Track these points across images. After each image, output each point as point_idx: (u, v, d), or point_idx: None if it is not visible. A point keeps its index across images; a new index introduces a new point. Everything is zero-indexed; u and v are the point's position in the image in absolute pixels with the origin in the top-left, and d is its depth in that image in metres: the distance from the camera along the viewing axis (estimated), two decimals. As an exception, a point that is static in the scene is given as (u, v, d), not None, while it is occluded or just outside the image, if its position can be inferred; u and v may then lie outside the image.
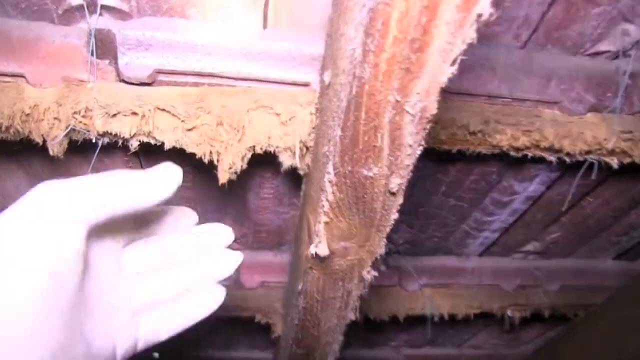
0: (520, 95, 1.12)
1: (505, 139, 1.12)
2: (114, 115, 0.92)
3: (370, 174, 0.74)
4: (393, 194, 0.78)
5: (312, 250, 0.89)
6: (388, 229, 0.86)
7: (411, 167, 0.74)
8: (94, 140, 0.94)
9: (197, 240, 0.69)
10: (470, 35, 0.57)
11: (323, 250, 0.87)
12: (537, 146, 1.15)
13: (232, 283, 1.56)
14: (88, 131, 0.93)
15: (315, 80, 0.96)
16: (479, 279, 1.87)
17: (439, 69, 0.60)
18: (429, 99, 0.63)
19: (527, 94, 1.11)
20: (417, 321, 1.90)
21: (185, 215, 0.72)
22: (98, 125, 0.92)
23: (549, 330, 2.30)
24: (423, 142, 0.70)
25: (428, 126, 0.67)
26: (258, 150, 0.97)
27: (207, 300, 0.68)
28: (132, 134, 0.94)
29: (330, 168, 0.75)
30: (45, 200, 0.51)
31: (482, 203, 1.57)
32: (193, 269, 0.68)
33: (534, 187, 1.50)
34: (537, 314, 1.97)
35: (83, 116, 0.91)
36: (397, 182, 0.75)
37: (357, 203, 0.80)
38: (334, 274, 0.97)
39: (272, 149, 0.98)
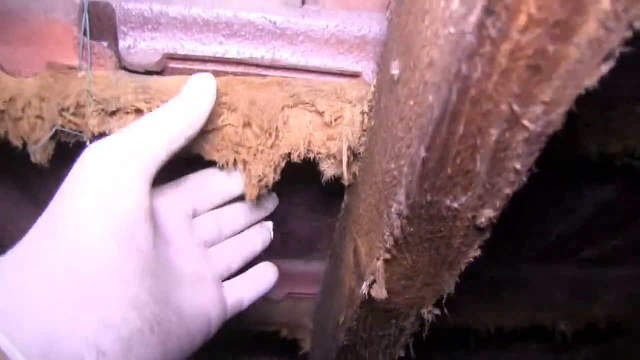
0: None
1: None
2: (113, 112, 0.72)
3: (455, 205, 0.54)
4: (480, 229, 0.58)
5: (365, 290, 0.70)
6: (464, 267, 0.67)
7: (511, 197, 0.54)
8: (88, 144, 0.75)
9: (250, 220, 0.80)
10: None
11: (381, 294, 0.67)
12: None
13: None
14: (80, 133, 0.73)
15: (368, 70, 0.75)
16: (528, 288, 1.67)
17: (584, 67, 0.39)
18: (558, 110, 0.43)
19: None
20: (459, 336, 1.70)
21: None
22: (93, 126, 0.72)
23: (604, 344, 2.09)
24: (533, 166, 0.50)
25: (544, 145, 0.47)
26: (295, 159, 0.77)
27: (268, 273, 0.80)
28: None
29: (401, 197, 0.55)
30: (99, 165, 0.56)
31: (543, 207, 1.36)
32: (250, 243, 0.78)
33: (604, 193, 1.30)
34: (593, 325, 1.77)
35: (73, 114, 0.72)
36: (489, 215, 0.55)
37: (432, 239, 0.60)
38: (387, 312, 0.78)
39: (312, 156, 0.78)
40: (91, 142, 0.75)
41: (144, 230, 0.55)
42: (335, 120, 0.74)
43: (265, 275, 0.79)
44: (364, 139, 0.75)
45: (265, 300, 1.39)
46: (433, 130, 0.45)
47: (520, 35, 0.37)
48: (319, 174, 0.81)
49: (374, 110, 0.71)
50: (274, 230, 0.92)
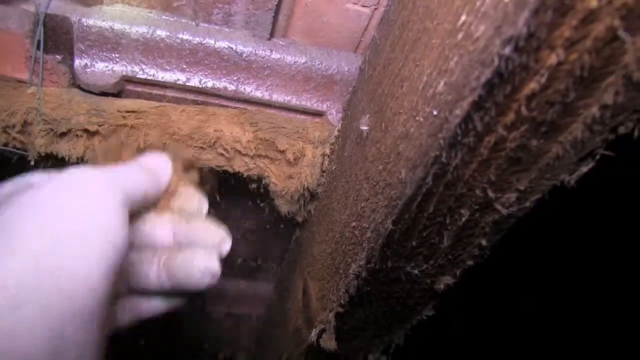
0: None
1: None
2: (63, 134, 0.68)
3: (415, 272, 0.53)
4: (437, 293, 0.57)
5: (314, 337, 0.68)
6: (415, 322, 0.66)
7: (472, 266, 0.53)
8: (32, 163, 0.70)
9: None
10: (628, 124, 0.36)
11: (330, 345, 0.66)
12: None
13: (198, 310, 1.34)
14: (25, 152, 0.69)
15: (333, 110, 0.74)
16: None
17: (563, 163, 0.39)
18: (532, 198, 0.42)
19: None
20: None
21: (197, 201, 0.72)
22: (39, 145, 0.68)
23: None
24: (497, 240, 0.49)
25: (512, 223, 0.47)
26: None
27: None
28: (85, 159, 0.70)
29: (361, 260, 0.53)
30: (95, 187, 0.56)
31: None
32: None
33: None
34: None
35: (19, 132, 0.67)
36: (447, 281, 0.55)
37: (388, 298, 0.59)
38: (334, 357, 0.76)
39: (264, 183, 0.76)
40: (36, 161, 0.70)
41: (124, 250, 0.56)
42: (295, 159, 0.72)
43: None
44: (322, 180, 0.73)
45: (204, 318, 1.35)
46: (403, 206, 0.44)
47: (505, 130, 0.36)
48: (268, 200, 0.79)
49: (336, 154, 0.69)
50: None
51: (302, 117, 0.75)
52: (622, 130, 0.36)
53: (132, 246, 0.68)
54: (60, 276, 0.49)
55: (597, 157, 0.38)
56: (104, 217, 0.55)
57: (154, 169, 0.66)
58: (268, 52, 0.71)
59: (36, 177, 0.60)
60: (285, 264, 1.00)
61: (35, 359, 0.46)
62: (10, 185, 0.59)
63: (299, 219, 0.81)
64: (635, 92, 0.33)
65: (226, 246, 0.69)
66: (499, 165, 0.39)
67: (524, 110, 0.34)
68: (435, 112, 0.39)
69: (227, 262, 1.19)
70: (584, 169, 0.39)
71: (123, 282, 0.70)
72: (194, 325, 1.35)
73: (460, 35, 0.37)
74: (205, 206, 0.72)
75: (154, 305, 0.71)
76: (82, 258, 0.51)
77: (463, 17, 0.37)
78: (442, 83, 0.39)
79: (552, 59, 0.31)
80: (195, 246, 0.69)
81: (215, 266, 0.67)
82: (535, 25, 0.30)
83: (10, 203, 0.55)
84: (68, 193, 0.56)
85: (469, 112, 0.35)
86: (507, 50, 0.31)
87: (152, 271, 0.68)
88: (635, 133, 0.36)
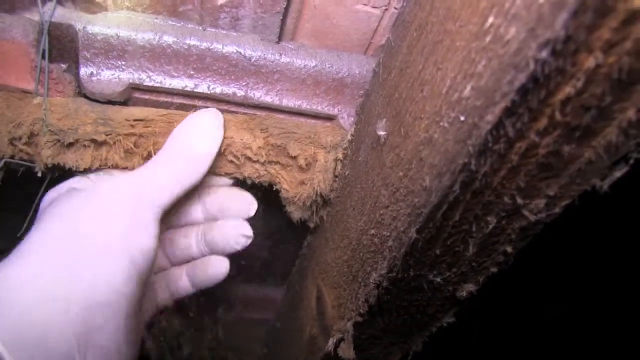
0: None
1: None
2: (70, 144, 0.66)
3: (438, 280, 0.52)
4: (459, 300, 0.56)
5: (331, 347, 0.67)
6: (434, 330, 0.64)
7: (495, 273, 0.52)
8: (39, 175, 0.69)
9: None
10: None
11: (348, 354, 0.64)
12: None
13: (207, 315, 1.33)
14: (32, 163, 0.68)
15: (344, 114, 0.72)
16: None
17: (595, 168, 0.37)
18: (561, 204, 0.41)
19: None
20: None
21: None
22: (46, 157, 0.66)
23: None
24: (522, 247, 0.48)
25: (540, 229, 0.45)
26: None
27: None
28: (93, 168, 0.69)
29: (383, 269, 0.52)
30: (123, 198, 0.61)
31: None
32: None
33: None
34: None
35: (25, 144, 0.66)
36: (470, 289, 0.53)
37: (408, 307, 0.57)
38: (349, 364, 0.75)
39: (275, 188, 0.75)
40: (43, 173, 0.69)
41: (149, 268, 0.62)
42: (307, 165, 0.70)
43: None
44: (335, 185, 0.72)
45: (214, 323, 1.34)
46: (427, 214, 0.43)
47: (537, 136, 0.34)
48: (281, 204, 0.78)
49: (349, 159, 0.68)
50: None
51: (313, 121, 0.74)
52: (656, 132, 0.35)
53: (169, 226, 0.76)
54: (81, 278, 0.54)
55: (631, 161, 0.37)
56: (126, 224, 0.59)
57: (193, 155, 0.66)
58: (277, 56, 0.69)
59: (76, 182, 0.67)
60: (297, 270, 0.99)
61: (63, 345, 0.51)
62: (54, 192, 0.66)
63: (311, 225, 0.80)
64: (674, 93, 0.32)
65: (253, 209, 0.76)
66: (529, 171, 0.37)
67: (557, 115, 0.33)
68: (462, 118, 0.38)
69: (237, 267, 1.19)
70: (618, 173, 0.37)
71: (164, 257, 0.79)
72: (203, 330, 1.34)
73: (488, 38, 0.35)
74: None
75: (193, 281, 0.78)
76: (103, 260, 0.56)
77: (490, 19, 0.35)
78: (468, 87, 0.37)
79: (590, 62, 0.30)
80: (226, 214, 0.76)
81: (247, 230, 0.75)
82: (574, 28, 0.28)
83: (46, 212, 0.61)
84: (94, 204, 0.60)
85: (500, 118, 0.34)
86: (544, 54, 0.30)
87: (192, 243, 0.76)
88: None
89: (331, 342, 0.67)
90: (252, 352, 1.38)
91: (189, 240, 0.76)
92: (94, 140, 0.66)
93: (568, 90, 0.31)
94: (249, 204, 0.76)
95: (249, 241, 0.76)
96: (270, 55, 0.69)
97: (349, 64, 0.71)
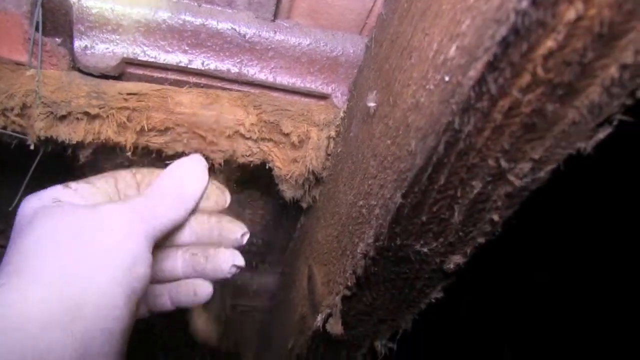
0: None
1: None
2: (63, 117, 0.67)
3: (425, 250, 0.52)
4: (447, 273, 0.56)
5: (320, 322, 0.67)
6: (424, 306, 0.65)
7: (483, 245, 0.52)
8: (31, 148, 0.69)
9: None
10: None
11: (337, 329, 0.64)
12: None
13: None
14: (24, 135, 0.68)
15: (338, 93, 0.72)
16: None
17: (579, 129, 0.38)
18: (546, 167, 0.41)
19: None
20: None
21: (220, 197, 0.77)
22: (39, 129, 0.67)
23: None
24: (511, 217, 0.48)
25: (525, 198, 0.45)
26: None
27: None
28: (86, 143, 0.69)
29: (369, 238, 0.52)
30: (121, 225, 0.61)
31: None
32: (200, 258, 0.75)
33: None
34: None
35: (18, 115, 0.66)
36: (458, 261, 0.53)
37: (396, 279, 0.57)
38: (339, 342, 0.75)
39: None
40: (36, 145, 0.69)
41: (143, 294, 0.64)
42: (300, 142, 0.70)
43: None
44: (327, 164, 0.72)
45: (207, 310, 1.34)
46: (413, 178, 0.43)
47: (520, 93, 0.34)
48: (273, 190, 0.78)
49: (342, 137, 0.68)
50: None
51: (307, 99, 0.74)
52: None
53: (156, 245, 0.72)
54: (84, 305, 0.55)
55: (615, 122, 0.37)
56: (127, 251, 0.60)
57: (184, 193, 0.71)
58: (272, 34, 0.69)
59: (60, 193, 0.65)
60: (290, 253, 0.99)
61: None
62: (36, 200, 0.64)
63: (304, 205, 0.80)
64: (657, 50, 0.32)
65: (245, 238, 0.78)
66: (513, 132, 0.38)
67: (540, 70, 0.33)
68: (447, 78, 0.38)
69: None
70: (601, 135, 0.37)
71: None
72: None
73: (472, -3, 0.35)
74: (227, 200, 0.78)
75: (173, 300, 0.77)
76: (106, 288, 0.57)
77: (475, -22, 0.35)
78: (453, 48, 0.38)
79: (571, 14, 0.30)
80: (218, 241, 0.76)
81: (240, 261, 0.76)
82: (554, -24, 0.29)
83: (33, 225, 0.60)
84: (93, 227, 0.60)
85: (483, 74, 0.34)
86: (524, 4, 0.30)
87: (178, 265, 0.76)
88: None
89: (320, 318, 0.67)
90: (247, 338, 1.38)
91: (175, 262, 0.76)
92: (87, 113, 0.67)
93: (549, 44, 0.32)
94: (241, 234, 0.77)
95: (239, 271, 0.77)
96: (265, 33, 0.69)
97: (343, 43, 0.71)
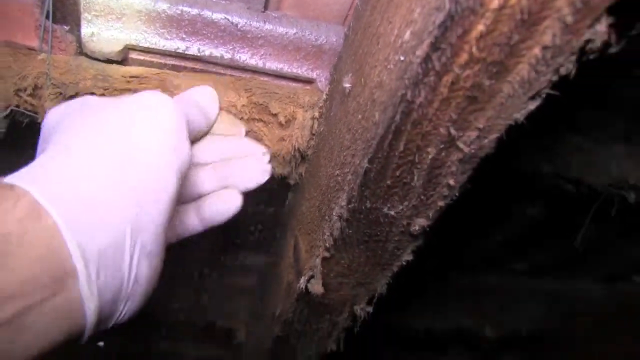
0: None
1: None
2: (71, 97, 0.74)
3: (392, 213, 0.59)
4: (414, 235, 0.63)
5: (303, 284, 0.74)
6: (396, 269, 0.72)
7: (444, 209, 0.59)
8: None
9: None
10: (567, 66, 0.42)
11: (318, 289, 0.72)
12: None
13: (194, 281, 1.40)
14: (36, 114, 0.75)
15: (322, 78, 0.79)
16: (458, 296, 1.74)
17: (514, 102, 0.45)
18: (491, 136, 0.48)
19: None
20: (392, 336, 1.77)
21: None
22: (49, 108, 0.73)
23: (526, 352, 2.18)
24: (467, 183, 0.55)
25: (477, 165, 0.52)
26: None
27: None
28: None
29: (343, 201, 0.59)
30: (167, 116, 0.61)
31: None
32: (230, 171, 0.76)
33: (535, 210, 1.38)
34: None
35: (30, 95, 0.73)
36: (422, 223, 0.60)
37: (368, 241, 0.65)
38: (322, 306, 0.82)
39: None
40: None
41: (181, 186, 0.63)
42: (286, 122, 0.77)
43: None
44: (312, 143, 0.79)
45: (201, 288, 1.41)
46: (376, 145, 0.50)
47: (460, 69, 0.41)
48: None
49: (324, 117, 0.75)
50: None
51: (294, 84, 0.81)
52: (563, 71, 0.42)
53: None
54: (138, 173, 0.57)
55: (544, 96, 0.44)
56: (172, 134, 0.61)
57: (205, 106, 0.73)
58: (262, 23, 0.76)
59: (88, 99, 0.65)
60: (278, 229, 1.06)
61: (120, 230, 0.54)
62: (60, 108, 0.64)
63: (291, 182, 0.87)
64: (570, 34, 0.39)
65: (267, 157, 0.78)
66: (458, 103, 0.44)
67: (475, 50, 0.40)
68: (402, 58, 0.45)
69: (224, 236, 1.25)
70: (532, 107, 0.44)
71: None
72: (190, 295, 1.41)
73: (422, -11, 0.42)
74: (243, 129, 0.79)
75: (201, 217, 0.77)
76: (157, 171, 0.58)
77: (424, -27, 0.42)
78: (408, 32, 0.45)
79: (494, 3, 0.37)
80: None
81: (268, 167, 0.78)
82: (478, -28, 0.36)
83: (72, 117, 0.60)
84: (141, 113, 0.61)
85: (427, 53, 0.41)
86: (456, -6, 0.37)
87: (203, 179, 0.76)
88: (572, 74, 0.42)
89: (303, 280, 0.74)
90: (240, 317, 1.46)
91: (198, 178, 0.76)
92: (93, 94, 0.74)
93: (480, 28, 0.38)
94: (262, 151, 0.78)
95: (268, 178, 0.78)
96: (255, 22, 0.76)
97: (327, 32, 0.78)
